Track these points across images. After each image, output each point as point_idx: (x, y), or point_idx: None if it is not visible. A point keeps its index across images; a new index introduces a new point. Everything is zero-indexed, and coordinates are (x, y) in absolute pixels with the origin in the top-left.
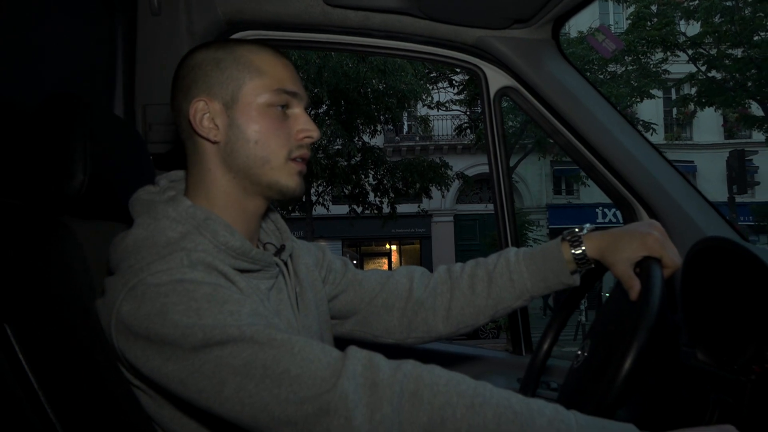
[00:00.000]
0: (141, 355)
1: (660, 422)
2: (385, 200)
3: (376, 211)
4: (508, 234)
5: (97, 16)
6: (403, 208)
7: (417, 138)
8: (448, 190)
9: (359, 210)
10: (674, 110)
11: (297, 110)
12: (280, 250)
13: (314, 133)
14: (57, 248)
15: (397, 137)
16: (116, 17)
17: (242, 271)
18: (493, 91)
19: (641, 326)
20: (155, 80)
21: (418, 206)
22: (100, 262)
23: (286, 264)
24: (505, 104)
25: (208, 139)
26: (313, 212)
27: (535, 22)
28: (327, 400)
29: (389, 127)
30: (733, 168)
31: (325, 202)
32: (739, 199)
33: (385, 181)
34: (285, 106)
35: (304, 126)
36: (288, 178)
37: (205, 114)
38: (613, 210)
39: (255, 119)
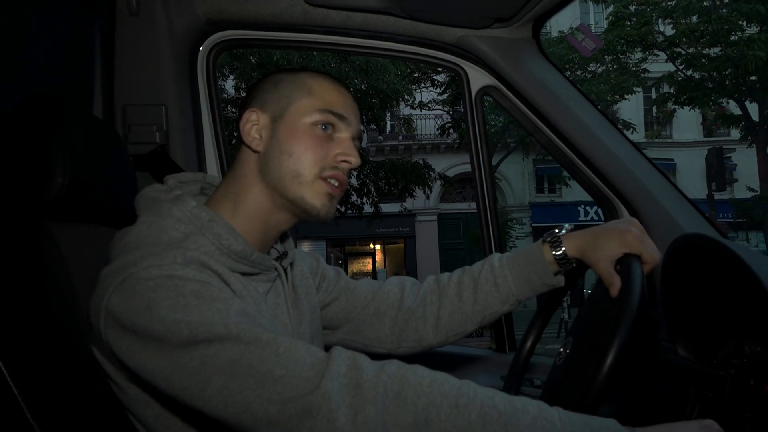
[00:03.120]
0: (127, 349)
1: (641, 417)
2: (368, 201)
3: (357, 212)
4: (491, 232)
5: (75, 16)
6: (387, 208)
7: (400, 137)
8: (431, 191)
9: (342, 210)
10: (654, 109)
11: (343, 135)
12: (281, 256)
13: (354, 159)
14: (35, 252)
15: (380, 136)
16: (94, 17)
17: (242, 273)
18: (474, 90)
19: (622, 322)
20: (135, 80)
21: (401, 206)
22: (81, 264)
23: (285, 270)
24: (487, 103)
25: (250, 148)
26: None
27: (515, 22)
28: (310, 400)
29: (372, 126)
30: (712, 165)
31: None
32: (718, 196)
33: (368, 182)
34: (331, 128)
35: (344, 150)
36: (314, 196)
37: (254, 125)
38: (595, 208)
39: (296, 135)
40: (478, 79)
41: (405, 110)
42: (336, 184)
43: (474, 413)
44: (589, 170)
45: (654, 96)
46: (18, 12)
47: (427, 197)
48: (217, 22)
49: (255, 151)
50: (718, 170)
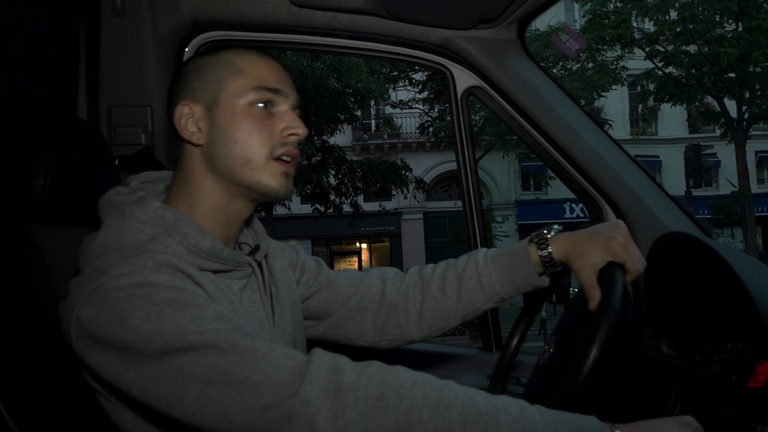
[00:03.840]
0: (101, 360)
1: (623, 414)
2: (346, 200)
3: (337, 211)
4: (477, 230)
5: (59, 16)
6: (371, 207)
7: (385, 136)
8: (408, 192)
9: (322, 209)
10: (639, 106)
11: (283, 108)
12: (254, 250)
13: (300, 130)
14: (16, 254)
15: (365, 135)
16: (79, 18)
17: (213, 272)
18: (460, 90)
19: (597, 339)
20: (120, 82)
21: (379, 205)
22: (63, 267)
23: (260, 264)
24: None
25: (191, 143)
26: (284, 212)
27: (500, 22)
28: (289, 406)
29: (358, 125)
30: (690, 162)
31: (286, 202)
32: (703, 192)
33: (346, 181)
34: (269, 105)
35: (289, 123)
36: (270, 178)
37: (189, 118)
38: (581, 205)
39: (236, 119)
40: (463, 79)
41: (387, 109)
42: (289, 160)
43: (455, 414)
44: (573, 170)
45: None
46: (0, 12)
47: (405, 197)
48: (203, 23)
49: (197, 145)
50: (696, 167)
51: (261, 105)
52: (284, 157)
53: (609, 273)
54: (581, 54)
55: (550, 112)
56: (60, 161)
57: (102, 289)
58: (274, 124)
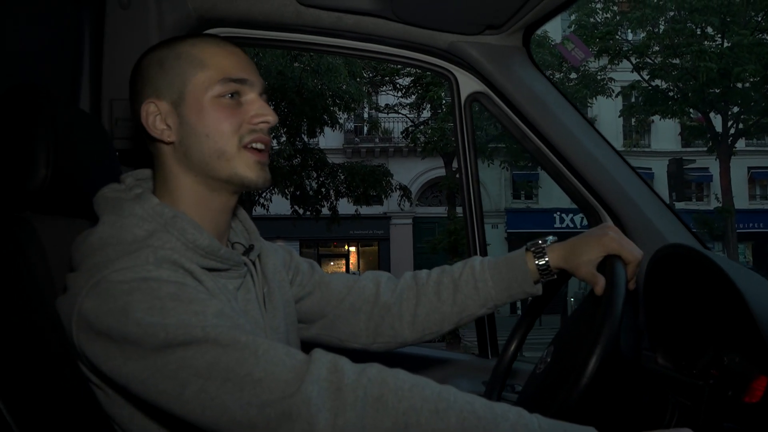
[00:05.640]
0: (102, 353)
1: (620, 425)
2: (326, 203)
3: (314, 214)
4: (477, 237)
5: (64, 7)
6: (364, 211)
7: (377, 140)
8: (387, 198)
9: (301, 212)
10: (632, 118)
11: (250, 96)
12: (248, 250)
13: (270, 117)
14: (16, 245)
15: (357, 138)
16: (84, 9)
17: (210, 270)
18: (464, 96)
19: (608, 317)
20: (123, 75)
21: (356, 210)
22: (62, 258)
23: (254, 264)
24: (445, 107)
25: (162, 141)
26: (270, 213)
27: (506, 29)
28: (289, 404)
29: (348, 127)
30: (673, 175)
31: (266, 202)
32: (694, 206)
33: (328, 183)
34: (236, 95)
35: (257, 111)
36: (245, 168)
37: (156, 116)
38: (571, 215)
39: (204, 113)
40: (467, 85)
41: (374, 113)
42: (261, 148)
43: (453, 418)
44: (574, 178)
45: (631, 104)
46: (5, 3)
47: (381, 204)
48: (208, 20)
49: (169, 143)
50: (678, 180)
51: (228, 96)
52: (255, 144)
53: (609, 263)
54: (562, 65)
55: (553, 121)
56: (62, 152)
57: (105, 282)
58: (243, 113)
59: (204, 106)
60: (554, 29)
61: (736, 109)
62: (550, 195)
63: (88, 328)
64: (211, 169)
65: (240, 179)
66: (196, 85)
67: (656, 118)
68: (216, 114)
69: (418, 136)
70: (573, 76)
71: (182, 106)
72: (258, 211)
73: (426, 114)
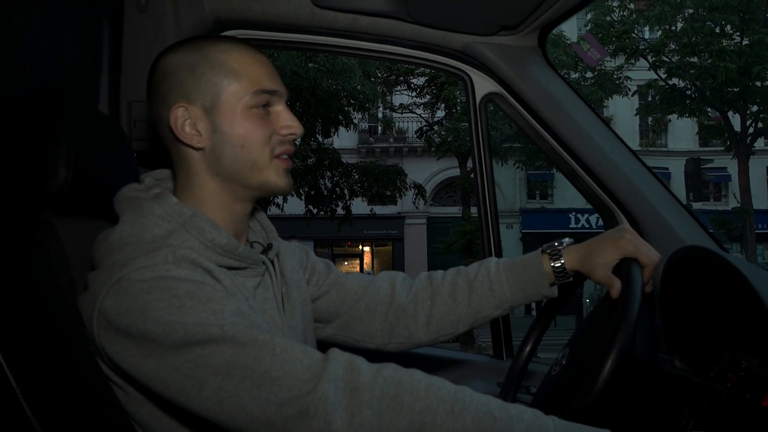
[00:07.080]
0: (122, 351)
1: (636, 428)
2: (340, 203)
3: (328, 214)
4: (492, 237)
5: (83, 10)
6: (378, 210)
7: (391, 140)
8: (402, 197)
9: (315, 211)
10: (649, 117)
11: (279, 107)
12: (267, 249)
13: (297, 129)
14: (38, 245)
15: (371, 138)
16: (102, 12)
17: (229, 268)
18: (479, 96)
19: (623, 320)
20: (141, 77)
21: (371, 210)
22: (82, 259)
23: (272, 263)
24: (460, 107)
25: (191, 146)
26: (285, 212)
27: (522, 30)
28: (307, 402)
29: (363, 127)
30: (690, 175)
31: (281, 202)
32: (712, 207)
33: (342, 183)
34: (267, 105)
35: (286, 122)
36: (277, 177)
37: (186, 120)
38: (586, 215)
39: (238, 123)
40: (482, 85)
41: (388, 112)
42: (287, 157)
43: (469, 419)
44: (590, 179)
45: (648, 102)
46: (25, 6)
47: (395, 203)
48: (225, 22)
49: (198, 149)
50: (696, 180)
51: (260, 107)
52: (284, 156)
53: (626, 266)
54: (578, 64)
55: (568, 121)
56: (82, 153)
57: (125, 280)
58: (272, 123)
59: (237, 116)
60: (570, 28)
61: (755, 108)
62: (565, 195)
63: (108, 326)
64: (243, 177)
65: (269, 187)
66: (231, 95)
67: (673, 117)
68: (249, 124)
69: (433, 136)
70: (589, 75)
71: (215, 114)
72: (273, 210)
73: (440, 113)
